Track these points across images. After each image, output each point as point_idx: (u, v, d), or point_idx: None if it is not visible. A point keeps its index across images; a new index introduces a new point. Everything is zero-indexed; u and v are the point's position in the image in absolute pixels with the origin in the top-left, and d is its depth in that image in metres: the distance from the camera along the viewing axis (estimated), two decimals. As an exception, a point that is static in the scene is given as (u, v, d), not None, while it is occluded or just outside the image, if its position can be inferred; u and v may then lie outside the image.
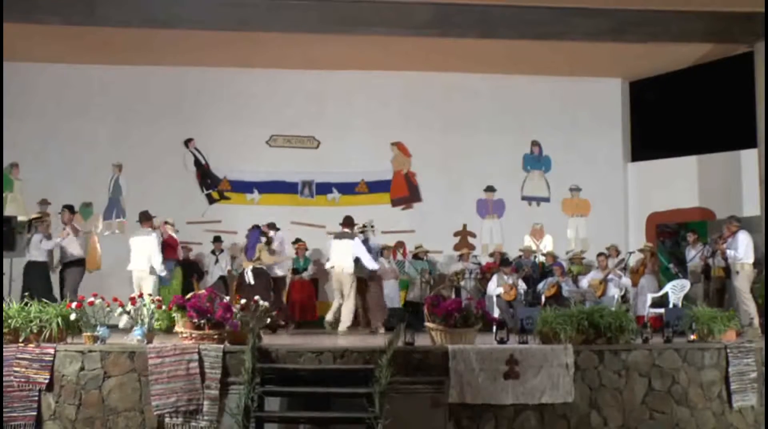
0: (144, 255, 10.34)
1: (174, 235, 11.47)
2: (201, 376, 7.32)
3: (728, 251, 10.21)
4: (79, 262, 10.91)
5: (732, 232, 10.36)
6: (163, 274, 10.54)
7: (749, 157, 12.33)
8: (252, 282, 11.00)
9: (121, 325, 8.76)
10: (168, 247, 11.10)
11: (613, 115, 14.37)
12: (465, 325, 7.94)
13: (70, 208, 11.15)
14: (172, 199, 12.61)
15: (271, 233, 11.87)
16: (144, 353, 7.38)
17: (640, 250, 12.45)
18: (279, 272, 11.91)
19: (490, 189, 14.20)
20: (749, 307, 9.90)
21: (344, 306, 10.90)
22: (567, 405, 7.61)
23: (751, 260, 10.16)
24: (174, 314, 7.99)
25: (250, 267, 11.16)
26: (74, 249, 10.80)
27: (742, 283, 10.07)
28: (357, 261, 10.90)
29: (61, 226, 10.96)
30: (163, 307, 8.31)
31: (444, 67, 13.59)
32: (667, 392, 7.89)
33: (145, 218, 10.73)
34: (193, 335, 7.60)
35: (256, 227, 11.67)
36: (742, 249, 10.10)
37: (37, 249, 10.43)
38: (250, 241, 11.48)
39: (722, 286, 10.86)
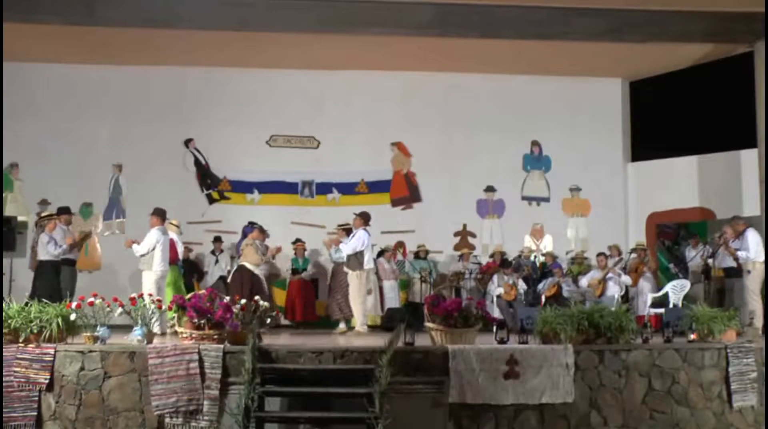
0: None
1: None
2: (201, 376, 7.31)
3: (739, 252, 10.10)
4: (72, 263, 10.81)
5: (739, 231, 10.27)
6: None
7: (749, 157, 12.34)
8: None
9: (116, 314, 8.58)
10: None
11: (613, 115, 14.38)
12: (465, 325, 7.93)
13: (66, 211, 11.06)
14: (172, 199, 12.58)
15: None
16: (144, 353, 7.38)
17: (633, 250, 12.44)
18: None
19: (490, 189, 14.20)
20: (756, 307, 9.85)
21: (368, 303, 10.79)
22: (567, 405, 7.60)
23: (762, 258, 10.02)
24: (173, 314, 8.00)
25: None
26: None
27: (753, 282, 9.98)
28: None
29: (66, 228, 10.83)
30: (163, 307, 8.34)
31: (444, 67, 13.59)
32: (667, 392, 7.89)
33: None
34: (193, 335, 7.60)
35: (250, 224, 11.65)
36: (753, 247, 9.97)
37: (43, 249, 10.33)
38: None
39: (722, 286, 10.83)
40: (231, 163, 13.89)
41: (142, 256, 10.02)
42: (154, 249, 9.99)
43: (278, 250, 11.56)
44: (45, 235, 10.28)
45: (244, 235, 12.02)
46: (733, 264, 10.33)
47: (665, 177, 13.92)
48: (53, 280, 10.12)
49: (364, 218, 10.83)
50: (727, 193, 13.06)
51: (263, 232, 11.55)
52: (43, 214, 11.22)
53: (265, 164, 13.91)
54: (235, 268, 11.35)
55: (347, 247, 10.61)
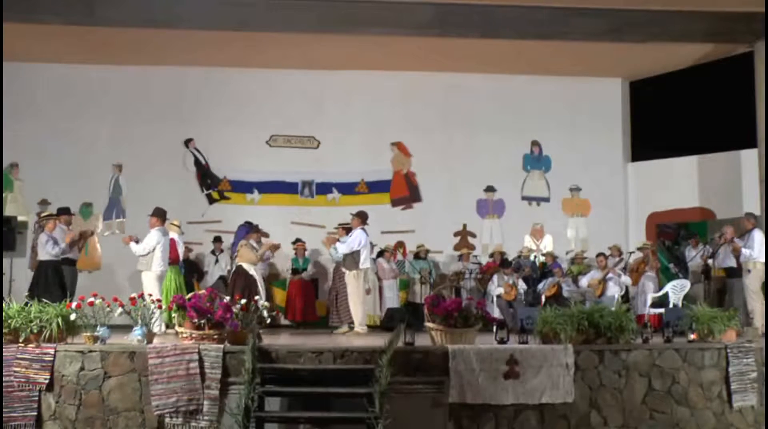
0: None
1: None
2: (201, 376, 7.31)
3: (744, 250, 10.10)
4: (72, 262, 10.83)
5: (747, 229, 10.26)
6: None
7: (749, 157, 12.34)
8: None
9: (116, 314, 8.55)
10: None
11: (613, 115, 14.38)
12: (465, 325, 7.93)
13: (66, 211, 11.07)
14: (172, 199, 12.56)
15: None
16: (144, 353, 7.38)
17: (639, 249, 12.45)
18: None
19: (490, 189, 14.20)
20: (755, 306, 9.83)
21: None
22: (567, 405, 7.60)
23: (763, 259, 10.03)
24: (174, 314, 8.00)
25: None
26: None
27: (753, 281, 9.97)
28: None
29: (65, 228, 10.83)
30: (163, 307, 8.34)
31: (444, 67, 13.59)
32: (667, 392, 7.89)
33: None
34: (193, 335, 7.60)
35: (247, 224, 11.67)
36: (758, 247, 9.97)
37: (42, 249, 10.33)
38: (237, 237, 11.44)
39: (722, 286, 10.83)
40: (231, 163, 13.89)
41: (142, 256, 10.03)
42: (153, 249, 10.00)
43: (275, 246, 11.52)
44: (44, 234, 10.28)
45: (239, 234, 11.98)
46: (734, 264, 10.32)
47: (665, 177, 13.92)
48: (53, 280, 10.11)
49: (362, 217, 10.78)
50: (727, 193, 13.06)
51: (258, 232, 11.55)
52: (43, 214, 11.21)
53: (265, 164, 13.91)
54: (234, 268, 11.35)
55: (344, 246, 10.58)
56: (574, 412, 7.65)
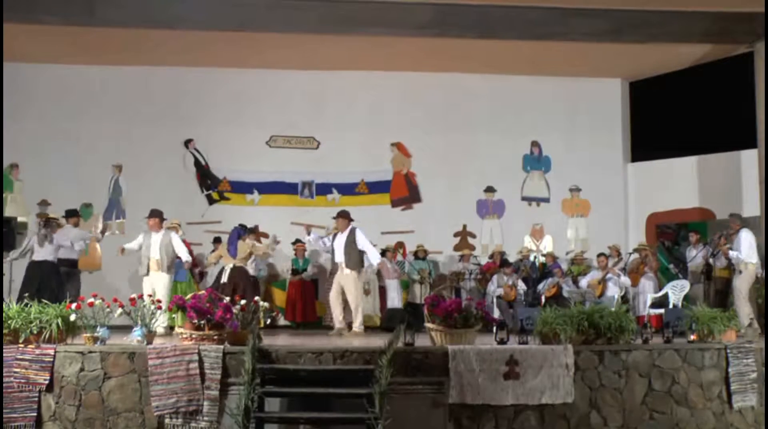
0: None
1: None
2: (201, 377, 7.31)
3: (731, 252, 10.10)
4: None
5: (734, 230, 10.27)
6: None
7: (749, 157, 12.34)
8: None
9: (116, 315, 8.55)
10: None
11: (613, 115, 14.37)
12: (465, 325, 7.93)
13: (74, 213, 11.07)
14: (172, 200, 12.59)
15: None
16: (144, 354, 7.38)
17: (635, 250, 12.44)
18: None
19: (490, 189, 14.19)
20: (742, 308, 9.81)
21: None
22: (567, 405, 7.61)
23: (755, 259, 9.98)
24: (173, 315, 8.01)
25: (230, 265, 11.02)
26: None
27: (742, 283, 9.97)
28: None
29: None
30: (164, 308, 8.34)
31: (444, 67, 13.58)
32: (667, 392, 7.89)
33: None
34: (193, 336, 7.60)
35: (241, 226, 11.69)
36: (745, 248, 9.94)
37: (44, 249, 10.28)
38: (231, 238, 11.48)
39: (723, 287, 10.80)
40: (231, 164, 13.87)
41: (133, 250, 10.10)
42: (140, 247, 10.04)
43: (265, 252, 11.58)
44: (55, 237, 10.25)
45: (238, 235, 11.97)
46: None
47: (665, 177, 13.91)
48: (50, 280, 10.08)
49: (346, 216, 10.54)
50: (727, 193, 13.05)
51: (256, 233, 11.54)
52: (50, 216, 11.13)
53: (265, 165, 13.90)
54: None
55: (371, 249, 10.38)
56: (574, 412, 7.65)
